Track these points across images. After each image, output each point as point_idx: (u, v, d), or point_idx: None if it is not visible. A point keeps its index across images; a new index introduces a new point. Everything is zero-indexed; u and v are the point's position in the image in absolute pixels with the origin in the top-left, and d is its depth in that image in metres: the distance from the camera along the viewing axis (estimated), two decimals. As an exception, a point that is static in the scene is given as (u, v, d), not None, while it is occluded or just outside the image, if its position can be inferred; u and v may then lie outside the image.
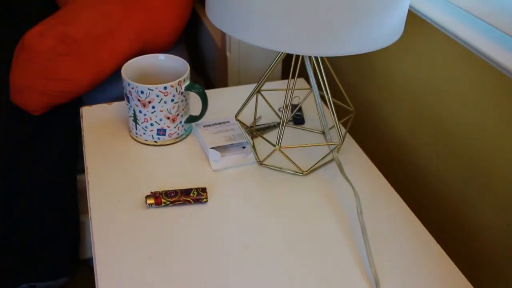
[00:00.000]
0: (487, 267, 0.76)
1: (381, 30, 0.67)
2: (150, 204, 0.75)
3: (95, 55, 1.09)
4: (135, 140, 0.89)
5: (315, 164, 0.84)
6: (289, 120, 0.96)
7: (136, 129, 0.87)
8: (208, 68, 1.45)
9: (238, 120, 0.86)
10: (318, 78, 0.82)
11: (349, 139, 0.92)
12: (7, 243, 1.17)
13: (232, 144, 0.84)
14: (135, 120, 0.86)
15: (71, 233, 1.25)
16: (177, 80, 0.83)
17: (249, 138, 0.91)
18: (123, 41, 1.13)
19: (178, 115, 0.86)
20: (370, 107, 1.03)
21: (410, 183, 0.94)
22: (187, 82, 0.85)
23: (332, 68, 1.13)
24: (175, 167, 0.84)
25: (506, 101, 0.69)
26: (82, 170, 1.27)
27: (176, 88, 0.83)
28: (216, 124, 0.88)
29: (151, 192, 0.75)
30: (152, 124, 0.85)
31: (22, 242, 1.19)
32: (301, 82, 1.07)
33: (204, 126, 0.87)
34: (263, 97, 0.91)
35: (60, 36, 1.05)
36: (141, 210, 0.76)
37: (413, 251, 0.71)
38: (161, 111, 0.84)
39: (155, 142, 0.88)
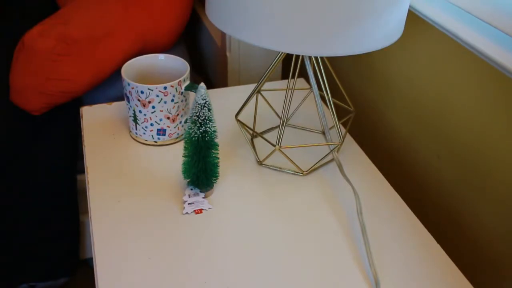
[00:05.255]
0: (487, 267, 0.76)
1: (381, 30, 0.67)
2: None
3: (95, 55, 1.09)
4: (135, 140, 0.89)
5: (315, 164, 0.84)
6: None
7: (136, 129, 0.87)
8: (208, 68, 1.45)
9: (238, 120, 0.86)
10: (318, 78, 0.82)
11: (349, 139, 0.92)
12: (7, 243, 1.17)
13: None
14: (135, 120, 0.86)
15: (71, 233, 1.25)
16: (177, 80, 0.83)
17: (249, 138, 0.91)
18: (123, 41, 1.13)
19: (178, 115, 0.86)
20: (370, 107, 1.03)
21: (410, 183, 0.93)
22: (187, 82, 0.85)
23: (332, 68, 1.13)
24: (175, 167, 0.84)
25: (506, 101, 0.69)
26: (82, 170, 1.27)
27: (176, 88, 0.83)
28: None
29: None
30: (152, 124, 0.85)
31: (22, 242, 1.19)
32: (301, 82, 1.07)
33: None
34: (263, 97, 0.91)
35: (60, 36, 1.05)
36: (141, 210, 0.76)
37: (413, 251, 0.71)
38: (161, 111, 0.84)
39: (155, 142, 0.88)
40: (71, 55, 1.07)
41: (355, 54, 0.66)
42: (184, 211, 0.75)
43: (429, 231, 0.88)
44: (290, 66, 0.81)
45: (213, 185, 0.79)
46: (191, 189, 0.78)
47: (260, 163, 0.85)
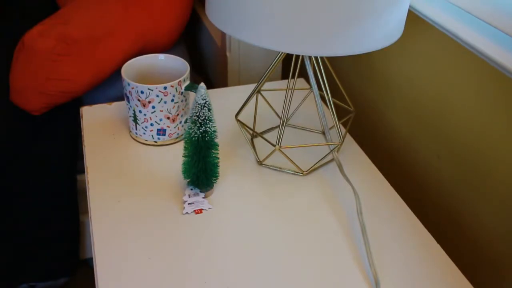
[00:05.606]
0: (487, 267, 0.76)
1: (381, 30, 0.67)
2: None
3: (95, 55, 1.09)
4: (135, 140, 0.89)
5: (315, 164, 0.84)
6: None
7: (136, 129, 0.87)
8: (208, 68, 1.45)
9: (238, 120, 0.86)
10: (318, 78, 0.82)
11: (349, 139, 0.92)
12: (7, 242, 1.17)
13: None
14: (135, 120, 0.86)
15: (71, 233, 1.25)
16: (177, 80, 0.83)
17: (249, 138, 0.91)
18: (123, 41, 1.13)
19: (178, 115, 0.86)
20: (370, 107, 1.03)
21: (410, 183, 0.93)
22: (187, 82, 0.85)
23: (332, 68, 1.13)
24: (175, 167, 0.84)
25: (506, 101, 0.69)
26: (82, 170, 1.27)
27: (176, 88, 0.83)
28: None
29: None
30: (152, 124, 0.85)
31: (22, 242, 1.19)
32: (301, 82, 1.07)
33: None
34: (263, 97, 0.91)
35: (60, 36, 1.05)
36: (141, 210, 0.76)
37: (413, 251, 0.71)
38: (161, 111, 0.84)
39: (155, 142, 0.88)
40: (71, 55, 1.07)
41: (355, 54, 0.66)
42: (184, 211, 0.75)
43: (429, 231, 0.88)
44: (290, 66, 0.81)
45: (213, 185, 0.79)
46: (191, 189, 0.78)
47: (260, 163, 0.85)
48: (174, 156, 0.86)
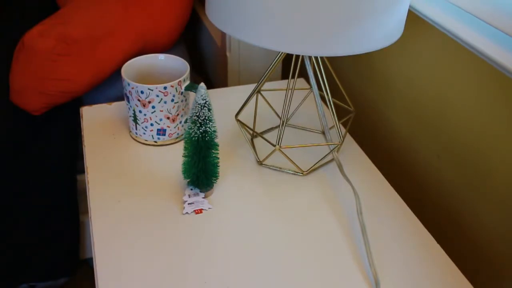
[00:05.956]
0: (487, 267, 0.76)
1: (381, 30, 0.67)
2: None
3: (95, 55, 1.09)
4: (135, 140, 0.89)
5: (315, 164, 0.84)
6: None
7: (136, 129, 0.87)
8: (208, 68, 1.45)
9: (238, 120, 0.86)
10: (318, 78, 0.82)
11: (349, 139, 0.92)
12: (7, 243, 1.17)
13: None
14: (135, 120, 0.86)
15: (71, 233, 1.25)
16: (177, 80, 0.83)
17: (249, 138, 0.91)
18: (123, 41, 1.13)
19: (178, 115, 0.86)
20: (370, 107, 1.03)
21: (410, 183, 0.93)
22: (187, 82, 0.85)
23: (332, 68, 1.13)
24: (175, 167, 0.84)
25: (506, 101, 0.69)
26: (82, 170, 1.27)
27: (176, 88, 0.83)
28: None
29: None
30: (152, 124, 0.85)
31: (22, 242, 1.19)
32: (301, 82, 1.07)
33: None
34: (263, 97, 0.91)
35: (60, 36, 1.05)
36: (141, 210, 0.76)
37: (413, 251, 0.71)
38: (161, 111, 0.84)
39: (155, 142, 0.88)
40: (71, 55, 1.07)
41: (355, 54, 0.66)
42: (184, 211, 0.75)
43: (429, 231, 0.88)
44: (290, 66, 0.81)
45: (213, 185, 0.79)
46: (191, 189, 0.78)
47: (260, 163, 0.85)
48: (174, 156, 0.86)
